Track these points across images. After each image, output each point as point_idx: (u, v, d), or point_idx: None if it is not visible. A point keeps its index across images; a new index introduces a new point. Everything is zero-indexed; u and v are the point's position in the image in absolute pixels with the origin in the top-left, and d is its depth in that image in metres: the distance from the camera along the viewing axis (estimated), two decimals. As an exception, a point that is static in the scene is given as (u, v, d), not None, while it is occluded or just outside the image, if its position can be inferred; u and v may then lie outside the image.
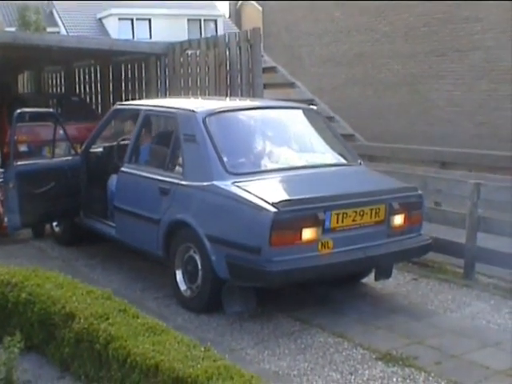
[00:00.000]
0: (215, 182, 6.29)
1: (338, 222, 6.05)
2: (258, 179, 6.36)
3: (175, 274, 6.70)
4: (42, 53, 12.31)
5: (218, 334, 6.03)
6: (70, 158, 8.42)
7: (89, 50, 11.90)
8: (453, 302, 6.81)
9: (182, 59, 11.83)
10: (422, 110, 16.20)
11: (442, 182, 8.36)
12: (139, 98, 13.22)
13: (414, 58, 16.35)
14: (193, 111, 6.90)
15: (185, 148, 6.80)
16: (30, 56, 13.26)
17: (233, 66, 10.65)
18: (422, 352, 5.58)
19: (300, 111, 7.88)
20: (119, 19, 37.06)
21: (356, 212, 6.14)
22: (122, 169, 7.58)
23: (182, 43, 12.26)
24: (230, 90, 10.73)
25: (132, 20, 37.50)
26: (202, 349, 4.34)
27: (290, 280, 6.03)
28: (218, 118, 6.91)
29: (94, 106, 14.98)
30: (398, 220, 6.45)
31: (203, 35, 37.31)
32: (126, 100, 13.69)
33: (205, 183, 6.38)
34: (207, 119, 6.69)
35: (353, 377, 5.18)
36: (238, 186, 6.16)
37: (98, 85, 15.20)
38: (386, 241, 6.40)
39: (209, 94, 11.00)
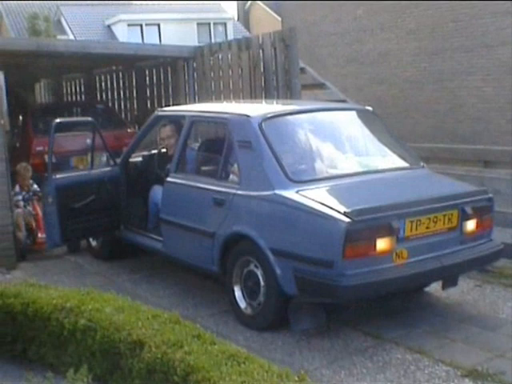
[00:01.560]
0: (277, 191, 5.86)
1: (411, 230, 5.67)
2: (323, 187, 5.93)
3: (233, 291, 6.30)
4: (62, 60, 11.93)
5: (286, 353, 5.61)
6: (108, 168, 7.99)
7: (113, 55, 11.49)
8: (524, 309, 6.42)
9: (211, 62, 11.40)
10: (450, 107, 15.80)
11: (501, 182, 7.94)
12: (166, 104, 12.86)
13: (442, 55, 15.94)
14: (247, 116, 6.47)
15: (240, 155, 6.36)
16: (49, 64, 12.86)
17: (268, 68, 10.22)
18: (508, 366, 5.24)
19: (355, 112, 7.44)
20: (128, 25, 36.67)
21: (430, 219, 5.77)
22: (169, 179, 7.15)
23: (211, 46, 11.86)
24: (266, 93, 10.30)
25: (141, 26, 37.10)
26: (296, 378, 3.91)
27: (365, 295, 5.64)
28: (274, 122, 6.46)
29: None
30: (471, 225, 6.07)
31: (213, 39, 37.04)
32: (152, 106, 13.39)
33: (265, 192, 5.96)
34: (263, 124, 6.27)
35: (441, 396, 4.78)
36: (303, 195, 5.73)
37: (121, 91, 14.81)
38: (459, 248, 6.02)
39: (243, 98, 10.57)
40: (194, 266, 7.03)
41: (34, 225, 8.94)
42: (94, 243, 8.59)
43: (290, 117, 6.78)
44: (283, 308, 5.87)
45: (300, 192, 5.76)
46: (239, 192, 6.20)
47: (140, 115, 13.64)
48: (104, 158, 8.20)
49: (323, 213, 5.46)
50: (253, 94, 10.50)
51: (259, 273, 6.01)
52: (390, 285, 5.55)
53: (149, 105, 13.73)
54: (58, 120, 7.62)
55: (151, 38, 35.30)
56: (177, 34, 35.42)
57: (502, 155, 11.63)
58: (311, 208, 5.56)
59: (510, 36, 14.31)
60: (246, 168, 6.27)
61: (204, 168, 7.11)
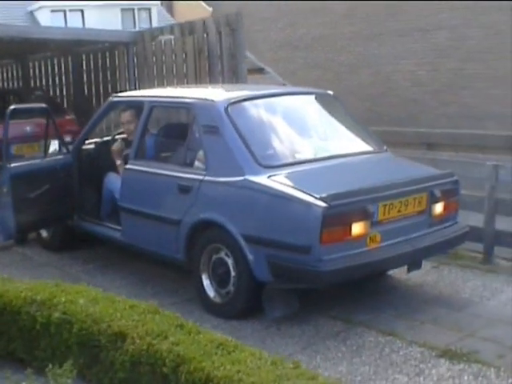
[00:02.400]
0: (248, 177, 5.74)
1: (384, 214, 5.64)
2: (294, 172, 5.86)
3: (201, 279, 6.16)
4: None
5: (258, 340, 5.52)
6: (61, 156, 7.71)
7: (52, 40, 11.16)
8: (484, 289, 6.56)
9: (153, 47, 11.20)
10: (384, 91, 15.97)
11: (456, 164, 8.02)
12: (104, 90, 12.61)
13: (377, 39, 16.07)
14: (212, 101, 6.32)
15: (205, 141, 6.20)
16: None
17: (212, 53, 10.11)
18: (480, 345, 5.28)
19: (317, 96, 7.33)
20: (51, 11, 35.74)
21: (401, 202, 5.76)
22: (128, 166, 6.93)
23: (152, 30, 11.69)
24: (210, 78, 10.18)
25: (64, 11, 36.23)
26: (291, 365, 3.84)
27: (341, 279, 5.58)
28: (239, 107, 6.32)
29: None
30: (439, 208, 6.10)
31: (137, 25, 36.50)
32: (89, 92, 13.12)
33: (235, 178, 5.81)
34: (229, 108, 6.13)
35: (421, 378, 4.82)
36: (275, 181, 5.63)
37: (56, 78, 14.44)
38: (428, 231, 6.05)
39: (188, 83, 10.44)
40: (156, 254, 6.84)
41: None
42: (44, 234, 8.32)
43: (254, 101, 6.63)
44: (254, 295, 5.79)
45: (272, 177, 5.68)
46: (206, 178, 6.05)
47: (77, 102, 13.34)
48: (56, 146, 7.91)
49: (298, 198, 5.37)
50: (197, 79, 10.36)
51: (229, 260, 5.89)
52: (364, 269, 5.55)
53: (86, 91, 13.43)
54: (13, 107, 7.36)
55: (75, 24, 34.41)
56: (101, 20, 34.65)
57: (444, 137, 11.79)
58: (286, 194, 5.47)
59: (446, 20, 14.51)
60: (212, 154, 6.12)
61: (166, 154, 6.95)
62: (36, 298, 4.94)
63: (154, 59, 11.31)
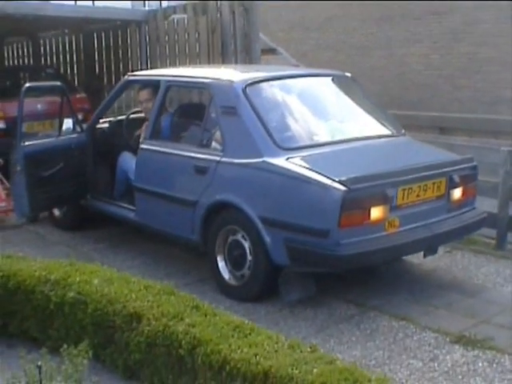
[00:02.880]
0: (266, 159, 5.67)
1: (403, 199, 5.59)
2: (312, 154, 5.78)
3: (216, 261, 6.11)
4: (4, 22, 11.44)
5: (271, 322, 5.50)
6: (75, 135, 7.67)
7: (64, 18, 11.09)
8: (498, 275, 6.52)
9: (166, 26, 11.12)
10: (397, 74, 15.84)
11: (470, 149, 7.94)
12: (116, 68, 12.56)
13: (389, 22, 15.92)
14: (230, 81, 6.24)
15: (223, 122, 6.12)
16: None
17: (226, 32, 10.03)
18: (495, 332, 5.25)
19: (335, 78, 7.22)
20: (61, -11, 35.77)
21: (420, 187, 5.71)
22: (143, 146, 6.86)
23: (164, 9, 11.58)
24: (223, 58, 10.11)
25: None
26: (309, 349, 3.82)
27: (359, 264, 5.55)
28: (258, 88, 6.25)
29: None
30: (457, 194, 6.06)
31: (147, 4, 36.29)
32: (100, 71, 13.07)
33: (253, 160, 5.75)
34: (247, 89, 6.05)
35: (435, 364, 4.79)
36: (294, 163, 5.56)
37: (68, 56, 14.37)
38: (447, 216, 5.99)
39: (200, 62, 10.36)
40: (171, 235, 6.80)
41: (-8, 192, 8.59)
42: (56, 212, 8.30)
43: (272, 82, 6.56)
44: (270, 278, 5.77)
45: (290, 159, 5.61)
46: (224, 159, 5.99)
47: (88, 80, 13.29)
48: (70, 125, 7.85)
49: (318, 181, 5.31)
50: (210, 59, 10.29)
51: (245, 242, 5.85)
52: (382, 254, 5.50)
53: (97, 69, 13.37)
54: (28, 84, 7.31)
55: (85, 2, 34.36)
56: (110, -2, 34.55)
57: (458, 122, 11.69)
58: (305, 176, 5.41)
59: (458, 3, 14.36)
60: (230, 135, 6.04)
61: (183, 135, 6.86)
62: (50, 277, 4.93)
63: (167, 38, 11.24)
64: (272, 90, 6.45)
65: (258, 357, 3.71)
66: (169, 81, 6.95)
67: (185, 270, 6.76)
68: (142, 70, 11.12)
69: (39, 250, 7.33)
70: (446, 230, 5.89)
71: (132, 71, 8.80)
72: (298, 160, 5.61)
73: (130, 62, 12.31)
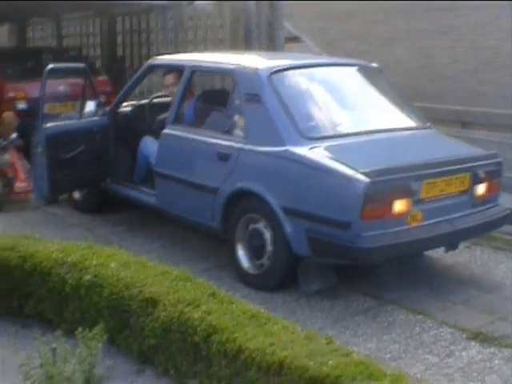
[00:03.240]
0: (289, 148, 5.60)
1: (427, 193, 5.52)
2: (336, 145, 5.70)
3: (235, 249, 6.05)
4: (29, 3, 11.44)
5: (288, 311, 5.47)
6: (97, 118, 7.62)
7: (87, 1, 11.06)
8: (516, 272, 6.41)
9: (190, 11, 11.08)
10: (421, 66, 15.71)
11: (491, 144, 7.85)
12: (138, 52, 12.54)
13: (415, 14, 15.79)
14: (255, 68, 6.16)
15: (246, 109, 6.06)
16: (13, 7, 12.25)
17: (249, 19, 9.97)
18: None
19: (361, 68, 7.12)
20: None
21: (444, 181, 5.64)
22: (166, 131, 6.79)
23: (189, -6, 11.54)
24: (246, 44, 10.05)
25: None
26: (325, 340, 3.78)
27: (380, 257, 5.46)
28: (283, 75, 6.17)
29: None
30: (481, 189, 5.97)
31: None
32: (123, 54, 13.05)
33: (276, 148, 5.68)
34: (272, 77, 5.98)
35: (451, 359, 4.74)
36: (317, 153, 5.49)
37: (91, 38, 14.38)
38: (470, 211, 5.90)
39: (223, 48, 10.31)
40: (191, 221, 6.76)
41: (10, 174, 8.60)
42: (76, 195, 8.27)
43: (297, 70, 6.48)
44: (290, 269, 5.71)
45: (314, 149, 5.53)
46: (246, 147, 5.93)
47: (110, 63, 13.29)
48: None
49: (341, 172, 5.25)
50: (233, 46, 10.25)
51: (266, 231, 5.79)
52: (404, 248, 5.45)
53: (120, 53, 13.36)
54: (51, 65, 7.28)
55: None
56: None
57: (480, 116, 11.56)
58: (328, 167, 5.35)
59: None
60: (253, 122, 5.99)
61: (206, 120, 6.79)
62: (67, 259, 4.91)
63: (190, 24, 11.20)
64: (297, 79, 6.37)
65: (273, 346, 3.66)
66: (193, 66, 6.90)
67: (203, 256, 6.74)
68: (163, 54, 11.10)
69: (57, 232, 7.32)
70: (469, 225, 5.83)
71: (158, 55, 8.74)
72: (321, 150, 5.54)
73: (152, 47, 12.28)
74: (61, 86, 10.53)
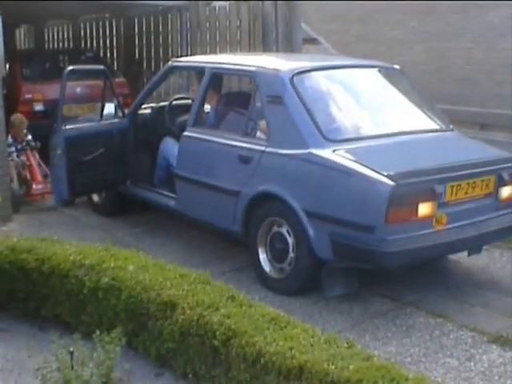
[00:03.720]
0: (313, 150, 5.54)
1: (451, 196, 5.45)
2: (359, 147, 5.64)
3: (257, 253, 5.99)
4: (46, 5, 11.47)
5: (306, 314, 5.42)
6: (117, 120, 7.57)
7: (105, 1, 11.06)
8: (537, 274, 6.35)
9: (208, 13, 11.07)
10: (438, 68, 15.64)
11: (510, 146, 7.76)
12: (156, 54, 12.55)
13: (431, 15, 15.72)
14: (277, 70, 6.11)
15: (269, 111, 6.00)
16: (31, 8, 12.29)
17: (267, 20, 9.95)
18: (533, 333, 5.11)
19: (383, 70, 7.01)
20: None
21: (469, 184, 5.55)
22: (186, 133, 6.72)
23: (207, -5, 11.54)
24: (264, 46, 10.03)
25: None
26: (345, 344, 3.75)
27: (406, 261, 5.40)
28: (305, 77, 6.10)
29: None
30: (506, 192, 5.86)
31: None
32: (140, 56, 13.07)
33: (299, 151, 5.62)
34: (294, 79, 5.91)
35: (472, 363, 4.70)
36: (341, 155, 5.43)
37: (108, 40, 14.39)
38: (495, 215, 5.80)
39: (241, 50, 10.31)
40: (212, 225, 6.70)
41: (27, 175, 8.61)
42: (95, 198, 8.20)
43: (319, 72, 6.41)
44: (313, 272, 5.65)
45: (337, 152, 5.48)
46: (268, 149, 5.87)
47: (127, 65, 13.30)
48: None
49: (365, 175, 5.18)
50: (251, 47, 10.24)
51: (288, 234, 5.73)
52: (430, 251, 5.40)
53: (137, 54, 13.39)
54: (70, 67, 7.24)
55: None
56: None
57: (499, 119, 11.48)
58: (352, 170, 5.29)
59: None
60: (275, 125, 5.93)
61: (227, 123, 6.74)
62: (85, 261, 4.90)
63: (208, 25, 11.19)
64: (319, 80, 6.30)
65: (293, 350, 3.63)
66: (214, 68, 6.84)
67: (221, 258, 6.71)
68: (182, 56, 11.10)
69: (74, 234, 7.31)
70: (494, 229, 5.74)
71: (177, 57, 8.70)
72: (344, 153, 5.48)
73: (170, 48, 12.30)
74: (78, 88, 10.54)
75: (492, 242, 6.30)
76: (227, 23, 10.79)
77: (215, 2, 10.91)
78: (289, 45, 9.78)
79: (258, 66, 6.37)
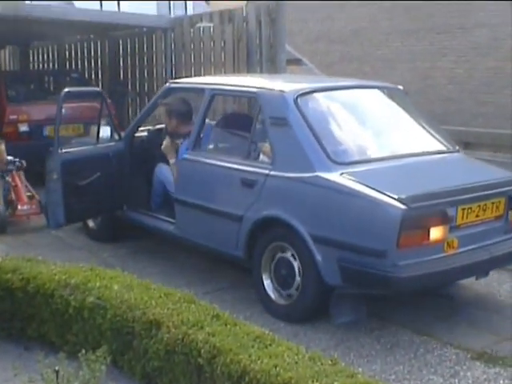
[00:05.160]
0: (320, 173, 5.40)
1: (463, 219, 5.33)
2: (367, 170, 5.52)
3: (262, 279, 5.85)
4: (31, 26, 11.50)
5: (291, 333, 5.44)
6: (113, 143, 7.46)
7: (91, 23, 11.10)
8: (519, 292, 6.40)
9: (192, 34, 11.14)
10: (422, 87, 15.78)
11: (495, 165, 7.82)
12: (140, 75, 12.62)
13: (415, 35, 15.89)
14: (281, 91, 5.95)
15: (272, 133, 5.87)
16: (15, 30, 12.30)
17: (251, 42, 10.01)
18: (518, 350, 5.17)
19: (387, 91, 6.89)
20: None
21: (480, 206, 5.43)
22: (185, 156, 6.58)
23: (191, 17, 11.65)
24: (248, 67, 10.09)
25: (101, 2, 36.41)
26: (329, 361, 3.77)
27: (418, 286, 5.27)
28: (309, 98, 5.99)
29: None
30: None
31: (172, 12, 36.51)
32: (125, 77, 13.14)
33: (306, 174, 5.48)
34: (299, 100, 5.79)
35: (456, 380, 4.74)
36: (349, 178, 5.29)
37: (93, 61, 14.44)
38: (505, 237, 5.68)
39: (225, 71, 10.37)
40: (213, 250, 6.53)
41: (13, 196, 8.59)
42: (91, 223, 8.03)
43: (324, 93, 6.29)
44: (321, 299, 5.51)
45: (345, 175, 5.34)
46: (273, 173, 5.72)
47: (112, 86, 13.34)
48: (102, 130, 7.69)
49: (375, 198, 5.06)
50: (235, 68, 10.30)
51: (294, 260, 5.60)
52: (442, 276, 5.29)
53: (122, 75, 13.43)
54: (66, 89, 7.10)
55: (110, 8, 34.56)
56: (136, 5, 34.71)
57: (483, 137, 11.61)
58: (361, 193, 5.15)
59: (485, 18, 14.30)
60: (280, 147, 5.78)
61: (228, 146, 6.68)
62: (70, 281, 4.90)
63: (192, 46, 11.25)
64: (324, 101, 6.19)
65: (277, 368, 3.65)
66: (214, 89, 6.69)
67: (205, 279, 6.71)
68: (166, 77, 11.20)
69: (59, 254, 7.28)
70: (505, 252, 5.61)
71: (173, 78, 8.59)
72: (353, 175, 5.34)
73: (154, 69, 12.35)
74: (64, 110, 10.54)
75: (503, 265, 6.20)
76: (211, 44, 10.83)
77: (199, 23, 10.96)
78: (273, 66, 9.81)
79: (260, 87, 6.27)
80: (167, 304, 4.47)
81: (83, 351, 4.06)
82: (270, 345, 3.95)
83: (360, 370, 4.73)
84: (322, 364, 3.73)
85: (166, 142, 7.21)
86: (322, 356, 3.89)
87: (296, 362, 3.73)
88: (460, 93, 15.12)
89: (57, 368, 3.83)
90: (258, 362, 3.73)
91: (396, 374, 4.81)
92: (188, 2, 38.02)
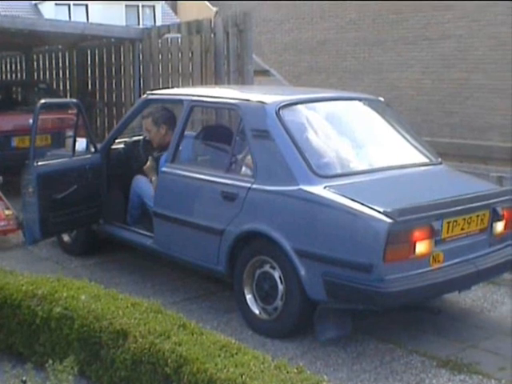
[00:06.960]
0: (303, 187, 5.30)
1: (448, 232, 5.24)
2: (352, 183, 5.43)
3: (243, 294, 5.75)
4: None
5: (258, 342, 5.47)
6: (89, 155, 7.31)
7: (60, 33, 11.06)
8: (485, 300, 6.50)
9: (160, 45, 11.17)
10: (389, 98, 15.93)
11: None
12: (108, 86, 12.60)
13: (382, 46, 16.06)
14: (262, 102, 5.85)
15: (254, 146, 5.75)
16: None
17: (219, 53, 10.06)
18: (482, 357, 5.25)
19: (369, 103, 6.80)
20: (56, 4, 35.81)
21: (465, 219, 5.34)
22: (164, 169, 6.47)
23: (159, 28, 11.68)
24: (216, 78, 10.14)
25: (69, 5, 36.27)
26: (295, 370, 3.81)
27: (403, 301, 5.16)
28: (291, 110, 5.89)
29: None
30: (500, 227, 5.65)
31: (141, 22, 36.49)
32: (93, 87, 13.12)
33: (289, 188, 5.38)
34: (281, 112, 5.70)
35: (422, 387, 4.79)
36: (333, 192, 5.20)
37: (61, 72, 14.40)
38: (489, 250, 5.60)
39: (193, 82, 10.41)
40: (193, 264, 6.41)
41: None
42: (66, 237, 7.85)
43: (306, 105, 6.20)
44: (305, 314, 5.40)
45: (329, 188, 5.25)
46: (255, 186, 5.61)
47: (80, 96, 13.30)
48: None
49: (361, 212, 4.96)
50: (203, 79, 10.34)
51: (277, 275, 5.49)
52: (428, 290, 5.18)
53: (90, 86, 13.42)
54: (43, 101, 6.95)
55: (78, 18, 34.42)
56: (105, 15, 34.67)
57: (449, 147, 11.76)
58: (346, 206, 5.05)
59: (451, 30, 14.50)
60: (262, 160, 5.68)
61: (208, 158, 6.62)
62: (37, 292, 4.90)
63: (160, 57, 11.27)
64: (306, 113, 6.07)
65: (244, 377, 3.69)
66: (193, 100, 6.56)
67: (173, 289, 6.72)
68: (134, 87, 11.22)
69: (26, 265, 7.26)
70: (490, 265, 5.50)
71: (143, 89, 8.49)
72: (337, 189, 5.25)
73: (122, 80, 12.34)
74: (30, 120, 10.51)
75: (488, 279, 6.16)
76: (179, 55, 10.86)
77: (167, 34, 10.99)
78: (240, 76, 9.85)
79: (241, 99, 6.18)
80: (134, 314, 4.50)
81: (50, 361, 4.09)
82: (237, 354, 3.99)
83: (326, 377, 4.79)
84: (287, 372, 3.77)
85: (149, 163, 7.12)
86: (288, 364, 3.93)
87: (262, 371, 3.77)
88: (427, 103, 15.29)
89: (24, 378, 3.85)
90: (225, 370, 3.77)
91: (362, 382, 4.85)
92: (156, 9, 38.23)
